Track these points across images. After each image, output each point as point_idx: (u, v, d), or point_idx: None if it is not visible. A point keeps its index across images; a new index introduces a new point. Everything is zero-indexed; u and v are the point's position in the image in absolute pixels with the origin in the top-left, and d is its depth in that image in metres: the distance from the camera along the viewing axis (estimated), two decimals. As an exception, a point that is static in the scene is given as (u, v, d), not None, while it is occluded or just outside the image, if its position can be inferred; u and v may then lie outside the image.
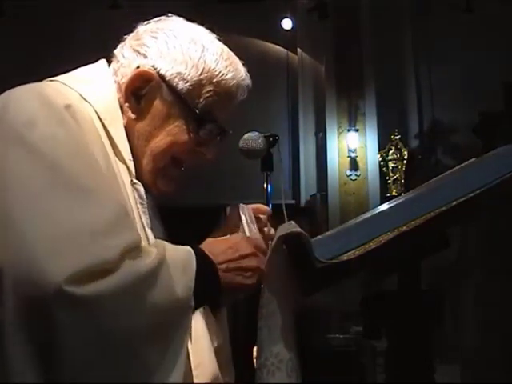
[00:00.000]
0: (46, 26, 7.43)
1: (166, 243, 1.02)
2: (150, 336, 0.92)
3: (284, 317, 1.01)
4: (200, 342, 1.16)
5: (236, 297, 1.15)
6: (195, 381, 1.10)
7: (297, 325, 1.03)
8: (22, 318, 0.85)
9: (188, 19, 1.24)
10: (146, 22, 1.21)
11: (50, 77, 1.17)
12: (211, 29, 1.23)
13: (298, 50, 7.57)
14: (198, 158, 1.20)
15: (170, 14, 1.23)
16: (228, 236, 1.14)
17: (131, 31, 1.23)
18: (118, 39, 1.24)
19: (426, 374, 1.06)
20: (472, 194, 1.02)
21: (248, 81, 1.22)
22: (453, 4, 7.06)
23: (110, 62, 1.22)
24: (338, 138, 6.87)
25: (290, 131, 7.61)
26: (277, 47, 7.78)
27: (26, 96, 1.02)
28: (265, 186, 1.53)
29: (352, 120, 6.86)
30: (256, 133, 1.43)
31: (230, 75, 1.17)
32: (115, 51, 1.21)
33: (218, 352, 1.20)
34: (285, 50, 7.82)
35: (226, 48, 1.21)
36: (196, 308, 1.03)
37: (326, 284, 1.08)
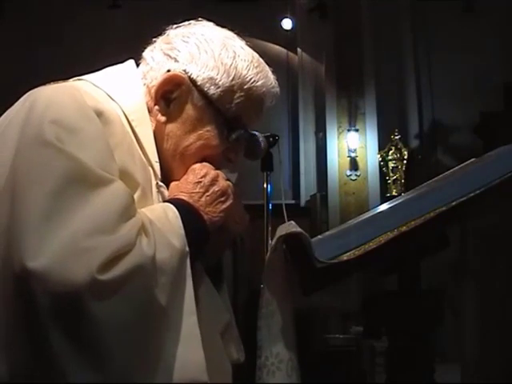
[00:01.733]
0: (45, 26, 7.43)
1: (142, 211, 1.03)
2: (167, 291, 0.96)
3: (284, 317, 1.01)
4: (206, 321, 1.16)
5: (228, 230, 1.17)
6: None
7: (297, 325, 1.03)
8: (57, 317, 0.86)
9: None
10: (175, 26, 1.21)
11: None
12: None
13: (298, 50, 7.57)
14: (225, 163, 1.21)
15: (200, 19, 1.23)
16: (185, 177, 1.15)
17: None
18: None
19: (426, 374, 1.06)
20: (472, 194, 1.02)
21: (277, 88, 1.22)
22: (453, 4, 7.06)
23: (138, 64, 1.21)
24: (338, 137, 6.88)
25: (290, 131, 7.61)
26: (277, 47, 7.78)
27: (55, 95, 1.01)
28: (265, 185, 1.53)
29: (352, 120, 6.87)
30: (256, 133, 1.43)
31: (260, 82, 1.17)
32: (144, 54, 1.21)
33: (226, 329, 1.20)
34: (285, 50, 7.82)
35: (256, 54, 1.21)
36: (196, 254, 1.06)
37: (326, 284, 1.08)
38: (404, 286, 1.09)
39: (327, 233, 1.16)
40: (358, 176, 6.80)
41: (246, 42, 1.22)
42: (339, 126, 6.89)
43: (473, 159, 1.18)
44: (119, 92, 1.13)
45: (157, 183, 1.12)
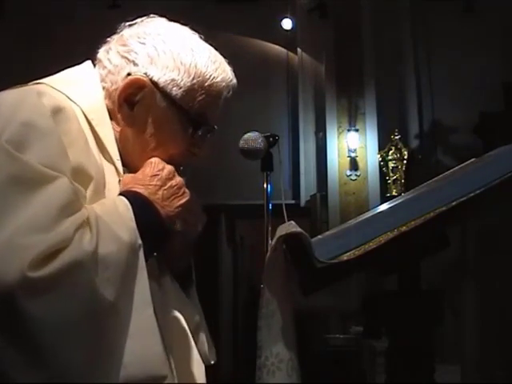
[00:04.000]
0: (45, 26, 7.43)
1: (91, 206, 1.03)
2: (115, 285, 0.95)
3: (284, 317, 1.01)
4: (176, 324, 1.17)
5: (185, 225, 1.17)
6: (175, 363, 1.11)
7: (297, 325, 1.03)
8: None
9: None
10: (127, 24, 1.23)
11: (50, 77, 1.18)
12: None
13: (298, 50, 7.57)
14: (190, 158, 1.23)
15: (152, 15, 1.24)
16: (142, 169, 1.15)
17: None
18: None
19: (426, 374, 1.06)
20: (472, 194, 1.02)
21: (234, 80, 1.24)
22: (453, 4, 7.06)
23: (94, 64, 1.23)
24: (338, 137, 6.88)
25: (290, 131, 7.61)
26: (277, 47, 7.78)
27: (10, 97, 1.03)
28: (265, 186, 1.53)
29: (352, 120, 6.87)
30: (256, 133, 1.43)
31: (219, 78, 1.19)
32: (99, 55, 1.22)
33: (196, 331, 1.21)
34: (285, 50, 7.82)
35: (211, 48, 1.23)
36: (155, 250, 1.08)
37: (326, 284, 1.07)
38: (404, 286, 1.08)
39: (327, 233, 1.16)
40: (358, 176, 6.79)
41: (200, 36, 1.23)
42: (339, 125, 6.88)
43: (473, 159, 1.18)
44: (77, 93, 1.14)
45: (119, 180, 1.12)
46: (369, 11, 6.97)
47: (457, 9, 7.08)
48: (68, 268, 0.90)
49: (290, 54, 7.79)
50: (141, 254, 1.01)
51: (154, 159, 1.14)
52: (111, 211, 1.02)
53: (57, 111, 1.03)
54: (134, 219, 1.02)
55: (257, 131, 1.43)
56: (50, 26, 7.42)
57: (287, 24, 7.54)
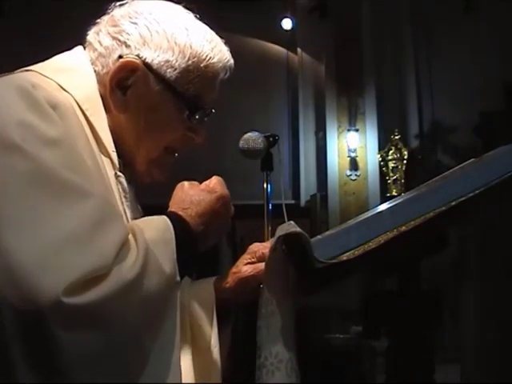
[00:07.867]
0: (45, 26, 7.43)
1: (139, 223, 0.99)
2: (147, 321, 0.92)
3: (284, 317, 1.01)
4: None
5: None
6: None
7: (297, 325, 1.03)
8: (22, 336, 0.81)
9: None
10: (118, 4, 1.16)
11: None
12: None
13: (298, 49, 7.57)
14: (188, 143, 1.18)
15: None
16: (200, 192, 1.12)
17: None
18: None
19: (426, 374, 1.06)
20: (472, 194, 1.02)
21: (232, 60, 1.18)
22: (453, 4, 7.05)
23: (84, 47, 1.17)
24: (338, 137, 6.88)
25: (289, 131, 7.61)
26: (277, 47, 7.78)
27: (4, 93, 0.94)
28: (265, 185, 1.53)
29: (352, 120, 6.87)
30: (256, 133, 1.42)
31: (216, 58, 1.14)
32: (89, 38, 1.15)
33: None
34: (285, 50, 7.81)
35: (207, 28, 1.17)
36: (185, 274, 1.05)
37: (325, 284, 1.08)
38: (404, 286, 1.08)
39: (327, 233, 1.16)
40: (358, 176, 6.79)
41: (195, 15, 1.18)
42: (339, 125, 6.88)
43: (472, 159, 1.18)
44: (70, 81, 1.07)
45: (115, 173, 1.07)
46: (369, 11, 6.96)
47: (457, 9, 7.08)
48: (106, 300, 0.84)
49: (290, 54, 7.78)
50: (177, 293, 0.98)
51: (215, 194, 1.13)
52: (157, 238, 0.98)
53: (55, 105, 0.96)
54: (175, 251, 0.99)
55: (257, 131, 1.42)
56: (50, 26, 7.42)
57: (287, 24, 7.54)
